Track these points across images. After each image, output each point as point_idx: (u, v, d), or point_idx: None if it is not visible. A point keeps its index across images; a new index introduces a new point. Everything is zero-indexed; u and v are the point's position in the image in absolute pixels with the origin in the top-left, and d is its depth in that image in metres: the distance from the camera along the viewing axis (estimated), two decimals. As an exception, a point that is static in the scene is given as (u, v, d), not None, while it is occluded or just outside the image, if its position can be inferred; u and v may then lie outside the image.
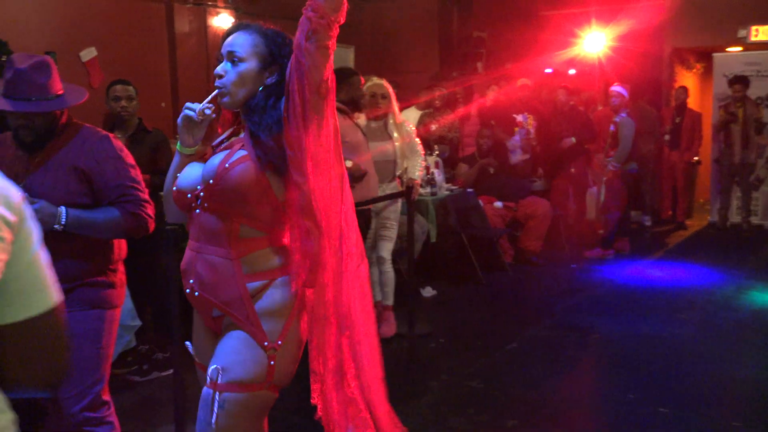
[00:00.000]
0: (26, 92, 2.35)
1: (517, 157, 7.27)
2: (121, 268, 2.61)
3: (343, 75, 4.49)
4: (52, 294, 1.03)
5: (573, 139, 7.53)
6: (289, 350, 1.96)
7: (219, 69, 1.99)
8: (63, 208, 2.35)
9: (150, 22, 8.17)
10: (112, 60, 7.34)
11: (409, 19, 10.16)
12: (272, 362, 1.92)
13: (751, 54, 9.08)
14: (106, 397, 2.56)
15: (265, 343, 1.91)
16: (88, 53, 7.40)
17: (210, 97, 2.04)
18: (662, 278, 6.56)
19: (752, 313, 5.47)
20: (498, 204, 6.98)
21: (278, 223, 1.98)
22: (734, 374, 4.25)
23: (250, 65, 1.97)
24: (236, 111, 2.06)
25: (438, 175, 6.26)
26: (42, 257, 1.03)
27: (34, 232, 1.02)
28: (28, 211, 1.02)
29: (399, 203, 4.95)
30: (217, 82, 1.99)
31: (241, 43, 1.98)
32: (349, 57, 9.52)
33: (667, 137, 8.99)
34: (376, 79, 4.90)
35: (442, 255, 6.27)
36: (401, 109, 5.17)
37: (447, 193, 6.34)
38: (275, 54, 1.99)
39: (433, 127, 7.20)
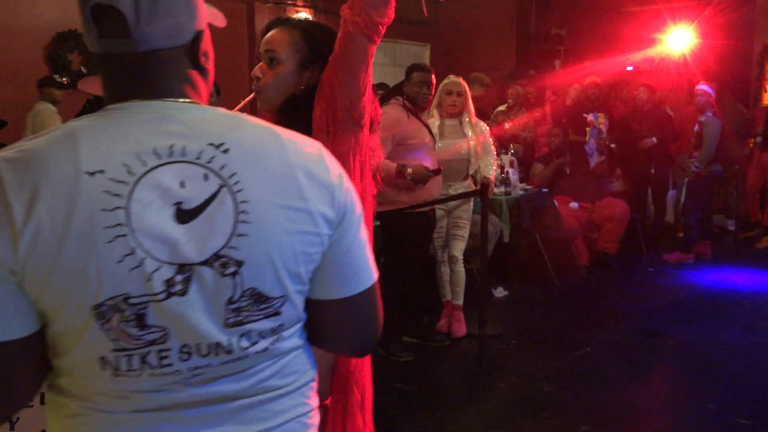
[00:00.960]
0: None
1: (595, 161, 7.13)
2: None
3: (406, 71, 4.51)
4: (369, 275, 1.15)
5: (654, 139, 7.32)
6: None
7: (257, 70, 1.87)
8: None
9: (231, 21, 8.32)
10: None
11: (486, 16, 10.09)
12: None
13: None
14: None
15: None
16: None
17: (242, 103, 1.96)
18: (745, 285, 6.30)
19: (843, 324, 5.21)
20: (574, 205, 6.85)
21: None
22: (822, 388, 4.07)
23: (288, 66, 1.84)
24: (276, 114, 1.91)
25: (512, 175, 6.20)
26: (361, 241, 1.14)
27: (354, 221, 1.12)
28: (350, 201, 1.11)
29: (471, 202, 4.93)
30: (255, 85, 1.87)
31: (279, 41, 1.86)
32: (425, 55, 9.53)
33: (758, 139, 8.56)
34: (452, 77, 4.89)
35: (514, 255, 6.20)
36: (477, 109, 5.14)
37: (521, 192, 6.28)
38: (316, 53, 1.84)
39: (507, 125, 7.14)
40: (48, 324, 0.98)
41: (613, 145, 7.47)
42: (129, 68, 1.04)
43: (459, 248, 4.82)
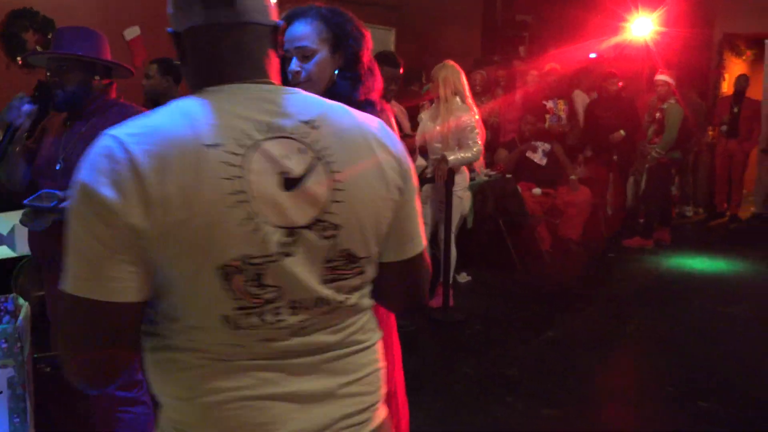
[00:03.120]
0: (59, 45, 2.43)
1: (538, 159, 7.11)
2: None
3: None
4: (421, 240, 1.30)
5: (622, 132, 7.36)
6: None
7: (294, 67, 1.96)
8: None
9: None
10: (155, 40, 7.41)
11: (453, 1, 10.06)
12: None
13: (805, 41, 8.80)
14: (139, 376, 2.58)
15: None
16: (132, 32, 7.48)
17: None
18: (704, 269, 6.43)
19: (798, 308, 5.34)
20: (537, 191, 6.90)
21: None
22: (778, 370, 4.16)
23: (322, 54, 1.95)
24: None
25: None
26: (417, 209, 1.28)
27: (413, 189, 1.26)
28: (410, 170, 1.26)
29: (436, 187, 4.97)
30: (297, 78, 1.96)
31: (306, 34, 1.95)
32: (390, 39, 9.47)
33: (724, 127, 8.68)
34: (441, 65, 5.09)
35: (478, 241, 6.22)
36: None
37: (485, 178, 6.29)
38: (339, 35, 1.96)
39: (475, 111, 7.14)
40: (171, 290, 1.07)
41: (567, 129, 7.52)
42: (230, 38, 1.14)
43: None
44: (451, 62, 5.07)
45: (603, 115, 7.46)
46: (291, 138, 1.12)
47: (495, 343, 4.55)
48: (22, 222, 2.36)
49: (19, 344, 2.48)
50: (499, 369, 4.11)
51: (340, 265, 1.16)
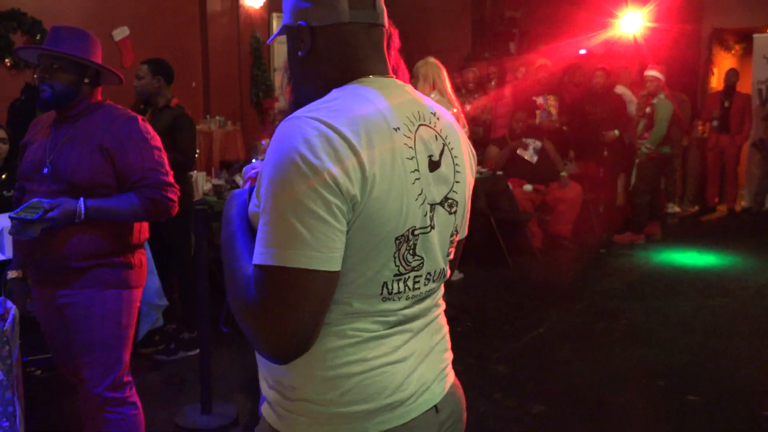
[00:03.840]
0: (55, 44, 2.42)
1: (529, 156, 7.12)
2: (141, 249, 2.62)
3: None
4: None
5: (616, 132, 7.37)
6: None
7: None
8: (81, 203, 2.36)
9: (182, 2, 8.20)
10: (144, 40, 7.39)
11: (442, -1, 10.06)
12: None
13: (794, 35, 8.83)
14: (128, 377, 2.58)
15: None
16: (121, 32, 7.46)
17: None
18: (694, 264, 6.45)
19: (787, 301, 5.37)
20: (528, 187, 6.91)
21: None
22: (765, 363, 4.18)
23: None
24: None
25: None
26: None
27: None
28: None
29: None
30: None
31: None
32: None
33: (715, 123, 8.70)
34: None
35: (469, 238, 6.20)
36: None
37: (476, 175, 6.27)
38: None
39: (467, 107, 7.14)
40: (353, 257, 1.15)
41: (559, 125, 7.54)
42: (368, 36, 1.26)
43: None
44: (432, 58, 5.12)
45: (592, 111, 7.47)
46: (428, 126, 1.27)
47: (485, 339, 4.56)
48: (11, 233, 2.36)
49: (7, 347, 2.47)
50: (489, 365, 4.12)
51: (452, 240, 1.33)
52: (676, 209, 8.89)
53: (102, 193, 2.42)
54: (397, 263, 1.20)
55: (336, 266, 1.12)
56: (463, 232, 1.43)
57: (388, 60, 1.31)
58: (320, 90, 1.24)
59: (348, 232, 1.13)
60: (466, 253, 5.79)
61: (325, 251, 1.09)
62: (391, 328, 1.23)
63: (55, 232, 2.36)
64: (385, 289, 1.20)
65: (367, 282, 1.18)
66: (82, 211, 2.35)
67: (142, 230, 2.61)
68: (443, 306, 1.41)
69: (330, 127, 1.11)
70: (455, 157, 1.31)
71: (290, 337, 1.10)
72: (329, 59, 1.25)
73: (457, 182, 1.30)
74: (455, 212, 1.31)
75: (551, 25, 9.47)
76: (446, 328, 1.42)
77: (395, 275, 1.21)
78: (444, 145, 1.29)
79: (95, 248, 2.43)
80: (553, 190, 6.98)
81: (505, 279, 6.01)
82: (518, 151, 7.08)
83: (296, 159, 1.09)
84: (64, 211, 2.32)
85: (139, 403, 2.62)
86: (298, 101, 1.29)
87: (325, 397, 1.20)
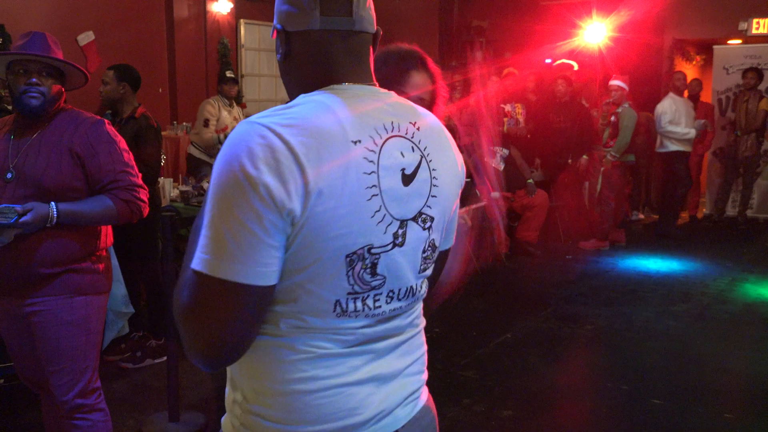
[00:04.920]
0: (47, 50, 2.39)
1: (496, 164, 7.20)
2: (106, 254, 2.60)
3: None
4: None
5: (585, 158, 7.48)
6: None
7: None
8: (53, 207, 2.33)
9: (149, 7, 8.13)
10: (109, 44, 7.31)
11: (409, 7, 10.12)
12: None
13: (752, 47, 9.06)
14: (97, 383, 2.56)
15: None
16: (86, 37, 7.37)
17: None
18: (658, 270, 6.57)
19: (746, 305, 5.49)
20: (495, 194, 6.96)
21: None
22: (727, 366, 4.27)
23: (427, 103, 2.02)
24: None
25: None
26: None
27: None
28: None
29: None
30: None
31: (424, 85, 2.02)
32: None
33: None
34: None
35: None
36: None
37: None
38: (435, 92, 2.05)
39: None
40: (294, 275, 1.11)
41: (526, 133, 7.62)
42: (344, 44, 1.21)
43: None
44: None
45: (555, 119, 7.58)
46: (403, 137, 1.21)
47: (452, 345, 4.59)
48: None
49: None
50: (456, 371, 4.15)
51: (428, 255, 1.27)
52: (641, 216, 9.05)
53: (72, 197, 2.40)
54: (351, 282, 1.15)
55: (267, 281, 1.07)
56: (447, 244, 1.40)
57: (371, 65, 1.27)
58: (295, 94, 1.22)
59: (289, 247, 1.09)
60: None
61: (252, 265, 1.05)
62: (349, 347, 1.18)
63: (22, 239, 2.33)
64: (338, 307, 1.15)
65: (316, 299, 1.14)
66: (55, 215, 2.33)
67: (108, 235, 2.59)
68: (421, 325, 1.35)
69: (278, 136, 1.07)
70: (434, 169, 1.25)
71: (211, 344, 1.08)
72: (302, 65, 1.23)
73: (434, 196, 1.25)
74: (430, 227, 1.25)
75: (517, 35, 9.60)
76: (423, 349, 1.36)
77: (349, 293, 1.15)
78: (422, 157, 1.23)
79: (63, 254, 2.40)
80: (520, 197, 7.06)
81: (473, 285, 6.05)
82: (486, 159, 7.14)
83: (235, 168, 1.05)
84: (36, 216, 2.29)
85: (107, 410, 2.60)
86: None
87: (274, 414, 1.17)
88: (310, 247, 1.10)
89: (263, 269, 1.06)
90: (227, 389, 1.28)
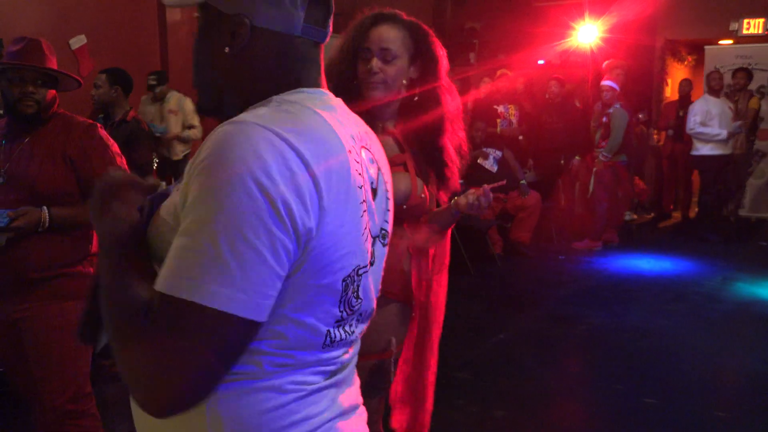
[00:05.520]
0: (43, 59, 2.39)
1: (489, 165, 7.22)
2: (96, 259, 2.59)
3: None
4: None
5: (578, 158, 7.51)
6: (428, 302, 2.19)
7: (374, 67, 1.96)
8: (45, 211, 2.34)
9: (142, 11, 8.13)
10: (102, 48, 7.30)
11: (402, 8, 10.11)
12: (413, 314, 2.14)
13: (743, 47, 9.10)
14: (88, 389, 2.55)
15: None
16: (78, 41, 7.36)
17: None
18: (650, 269, 6.59)
19: (738, 304, 5.52)
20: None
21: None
22: (719, 365, 4.29)
23: (402, 61, 1.97)
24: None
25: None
26: None
27: None
28: None
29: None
30: (374, 78, 1.96)
31: (394, 38, 1.97)
32: (336, 46, 9.49)
33: (671, 131, 8.90)
34: None
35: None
36: None
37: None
38: (421, 48, 1.99)
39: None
40: (291, 302, 0.96)
41: (521, 137, 7.65)
42: (309, 53, 1.08)
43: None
44: None
45: (548, 120, 7.61)
46: (366, 148, 1.12)
47: (447, 346, 4.57)
48: None
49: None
50: (451, 372, 4.15)
51: (381, 272, 1.18)
52: (633, 216, 9.08)
53: (65, 201, 2.40)
54: (341, 308, 1.02)
55: (263, 316, 0.91)
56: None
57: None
58: (242, 95, 1.06)
59: (291, 275, 0.93)
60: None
61: (253, 296, 0.89)
62: (328, 378, 1.05)
63: (13, 243, 2.33)
64: (328, 337, 1.02)
65: (309, 332, 0.99)
66: (48, 219, 2.33)
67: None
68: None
69: (286, 142, 0.91)
70: (386, 182, 1.16)
71: (176, 387, 0.89)
72: (264, 66, 1.06)
73: (388, 210, 1.17)
74: (387, 243, 1.16)
75: (510, 36, 9.62)
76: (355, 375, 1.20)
77: (337, 321, 1.02)
78: (378, 169, 1.14)
79: (54, 258, 2.40)
80: (513, 198, 7.08)
81: (467, 286, 6.06)
82: (479, 161, 7.16)
83: (245, 176, 0.87)
84: (29, 219, 2.29)
85: (98, 416, 2.59)
86: (207, 100, 1.13)
87: None
88: (314, 272, 0.95)
89: (265, 301, 0.90)
90: None
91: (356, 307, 1.06)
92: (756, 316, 5.23)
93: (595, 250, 7.29)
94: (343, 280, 1.00)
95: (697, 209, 8.71)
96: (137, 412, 1.07)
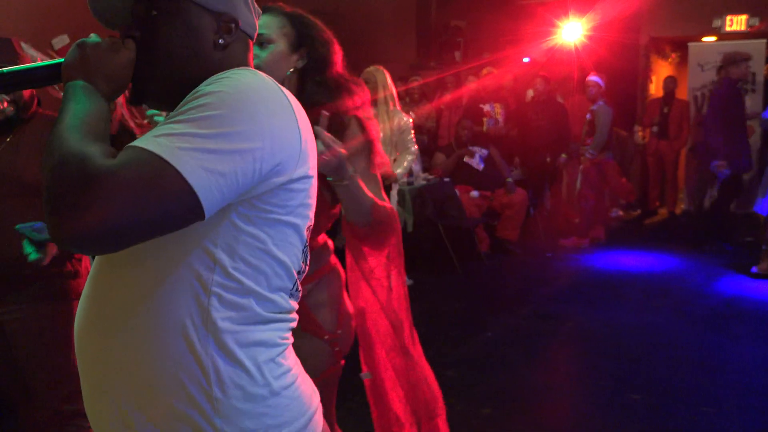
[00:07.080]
0: (15, 59, 2.36)
1: (475, 164, 7.22)
2: (85, 257, 2.56)
3: None
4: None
5: (564, 156, 7.53)
6: (347, 330, 2.08)
7: (253, 53, 1.95)
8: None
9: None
10: (84, 48, 7.24)
11: (386, 6, 10.12)
12: (336, 348, 2.03)
13: (726, 44, 9.15)
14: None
15: (326, 337, 1.99)
16: (61, 41, 7.29)
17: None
18: (636, 266, 6.62)
19: (724, 300, 5.54)
20: (474, 193, 6.99)
21: (324, 227, 2.03)
22: (706, 360, 4.31)
23: (278, 47, 1.94)
24: None
25: (415, 165, 6.27)
26: None
27: None
28: None
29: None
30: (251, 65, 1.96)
31: (268, 24, 1.94)
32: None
33: (655, 128, 8.95)
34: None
35: (418, 245, 6.28)
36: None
37: (424, 182, 6.35)
38: (302, 34, 1.96)
39: (412, 116, 7.22)
40: (269, 248, 1.08)
41: (505, 132, 7.68)
42: (247, 46, 1.25)
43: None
44: (380, 67, 5.17)
45: (533, 118, 7.62)
46: None
47: (434, 344, 4.59)
48: None
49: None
50: (438, 370, 4.11)
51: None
52: (620, 213, 9.11)
53: None
54: (303, 258, 1.16)
55: (209, 207, 0.98)
56: None
57: None
58: (194, 86, 1.11)
59: (258, 201, 1.05)
60: (415, 260, 5.80)
61: (217, 193, 0.97)
62: (289, 331, 1.18)
63: (5, 240, 2.29)
64: (293, 287, 1.15)
65: (285, 276, 1.12)
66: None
67: None
68: None
69: (279, 88, 1.10)
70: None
71: (101, 212, 0.91)
72: (230, 61, 1.19)
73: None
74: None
75: (495, 34, 9.63)
76: None
77: (297, 272, 1.15)
78: None
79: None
80: (500, 196, 7.08)
81: (454, 284, 6.06)
82: (465, 159, 7.16)
83: (272, 87, 1.07)
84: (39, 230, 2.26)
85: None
86: (158, 90, 1.18)
87: (271, 420, 1.09)
88: (290, 211, 1.09)
89: (216, 196, 0.98)
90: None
91: (305, 265, 1.18)
92: (743, 311, 5.26)
93: (582, 247, 7.31)
94: (308, 228, 1.15)
95: (693, 207, 8.75)
96: (129, 382, 1.17)
